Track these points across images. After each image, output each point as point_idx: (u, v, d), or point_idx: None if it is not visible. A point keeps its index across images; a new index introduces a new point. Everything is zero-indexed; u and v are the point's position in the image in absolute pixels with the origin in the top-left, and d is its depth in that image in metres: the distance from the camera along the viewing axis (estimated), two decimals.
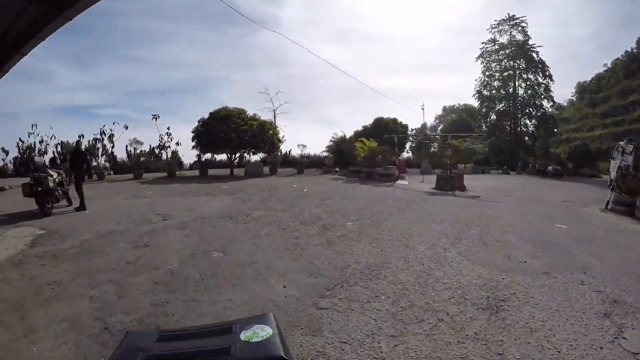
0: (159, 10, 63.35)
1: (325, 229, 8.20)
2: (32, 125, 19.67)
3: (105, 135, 20.36)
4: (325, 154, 31.01)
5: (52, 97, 57.54)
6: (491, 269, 5.66)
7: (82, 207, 10.87)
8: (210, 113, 23.18)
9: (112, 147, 21.43)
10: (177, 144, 23.30)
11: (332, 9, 74.65)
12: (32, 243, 7.18)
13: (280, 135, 25.45)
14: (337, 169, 26.27)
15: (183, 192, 14.42)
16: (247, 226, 8.41)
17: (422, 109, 48.92)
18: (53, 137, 20.46)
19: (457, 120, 46.88)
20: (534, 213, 11.08)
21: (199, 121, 23.12)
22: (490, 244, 7.19)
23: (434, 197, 14.38)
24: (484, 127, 50.18)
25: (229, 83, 67.99)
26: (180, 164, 24.01)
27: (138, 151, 26.52)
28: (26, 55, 5.82)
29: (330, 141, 31.46)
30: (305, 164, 26.13)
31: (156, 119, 22.41)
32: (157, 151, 23.82)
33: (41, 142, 20.30)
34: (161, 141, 22.69)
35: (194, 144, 22.94)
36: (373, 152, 23.30)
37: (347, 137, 30.77)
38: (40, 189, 10.08)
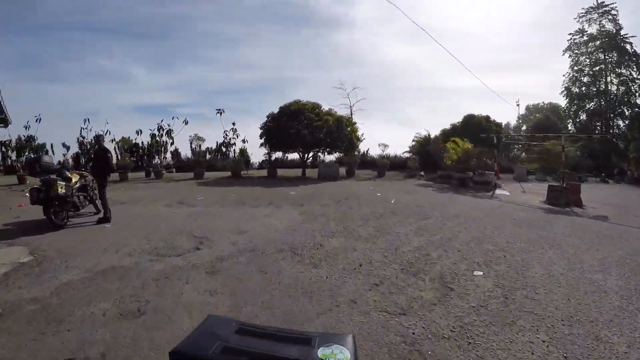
0: (234, 13, 64.11)
1: (445, 286, 4.64)
2: (85, 120, 18.10)
3: (163, 130, 18.29)
4: (407, 155, 27.22)
5: (133, 97, 60.53)
6: None
7: (105, 218, 8.45)
8: (281, 107, 20.38)
9: (171, 143, 19.32)
10: (243, 141, 20.79)
11: (406, 7, 70.23)
12: None
13: (359, 133, 22.02)
14: (422, 173, 22.35)
15: (241, 200, 11.55)
16: (318, 274, 5.05)
17: (518, 104, 42.99)
18: (108, 133, 18.79)
19: (543, 120, 41.57)
20: None
21: (267, 116, 20.43)
22: None
23: (556, 218, 10.06)
24: (570, 127, 43.72)
25: (303, 83, 67.07)
26: (247, 163, 21.53)
27: (203, 148, 24.59)
28: None
29: (413, 141, 27.58)
30: (386, 166, 22.48)
31: (220, 113, 20.09)
32: (223, 149, 21.46)
33: (96, 137, 18.63)
34: (225, 137, 20.28)
35: (262, 141, 20.29)
36: (468, 155, 19.04)
37: (432, 136, 26.84)
38: (49, 195, 7.71)
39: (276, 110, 20.42)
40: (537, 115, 50.39)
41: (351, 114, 26.54)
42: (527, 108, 63.03)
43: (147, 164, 19.96)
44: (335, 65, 68.17)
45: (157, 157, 21.25)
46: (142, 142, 19.76)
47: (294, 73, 69.36)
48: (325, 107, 21.26)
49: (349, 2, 69.79)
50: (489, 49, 70.72)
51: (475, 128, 25.03)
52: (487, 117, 28.03)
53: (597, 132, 40.63)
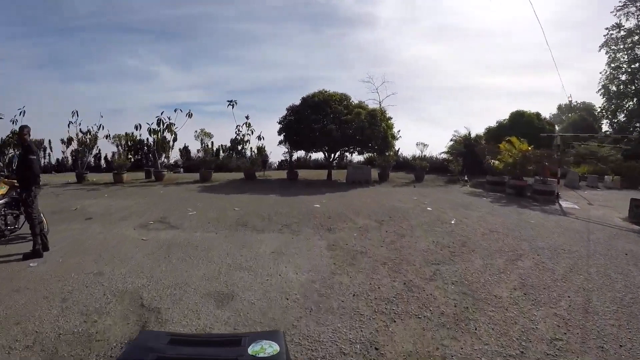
0: (257, 13, 63.91)
1: None
2: (73, 113, 15.25)
3: (163, 124, 15.33)
4: (444, 156, 23.62)
5: (158, 96, 61.40)
6: None
7: (34, 252, 5.60)
8: (303, 98, 17.17)
9: (174, 139, 16.30)
10: (259, 137, 17.63)
11: (429, 5, 67.23)
12: None
13: (395, 130, 18.56)
14: (466, 177, 18.81)
15: (244, 217, 8.39)
16: None
17: (570, 100, 38.70)
18: (101, 128, 15.90)
19: (578, 120, 38.04)
20: None
21: (287, 109, 17.26)
22: None
23: None
24: (605, 128, 39.58)
25: (327, 82, 65.85)
26: (264, 163, 18.46)
27: (217, 145, 21.69)
28: None
29: (451, 140, 23.98)
30: (425, 169, 18.96)
31: (232, 105, 16.97)
32: (239, 147, 18.43)
33: (86, 133, 15.83)
34: (238, 133, 17.17)
35: (281, 138, 17.13)
36: (526, 159, 15.39)
37: (472, 135, 23.21)
38: None
39: (298, 102, 17.24)
40: (570, 115, 46.81)
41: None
42: (559, 108, 59.16)
43: (153, 164, 17.11)
44: (359, 64, 66.79)
45: (163, 155, 18.39)
46: (148, 139, 16.96)
47: (317, 72, 68.36)
48: (354, 100, 17.99)
49: (372, 1, 67.49)
50: (513, 48, 67.71)
51: (525, 126, 21.29)
52: (538, 115, 24.13)
53: (635, 133, 36.20)
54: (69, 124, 15.27)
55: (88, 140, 16.28)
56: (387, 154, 18.55)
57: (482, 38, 65.83)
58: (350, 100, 17.88)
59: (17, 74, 50.00)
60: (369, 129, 16.16)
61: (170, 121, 15.56)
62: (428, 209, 10.16)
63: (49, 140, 19.81)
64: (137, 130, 15.89)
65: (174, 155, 22.09)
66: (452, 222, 8.54)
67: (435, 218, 8.92)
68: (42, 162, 21.02)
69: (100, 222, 8.08)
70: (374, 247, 6.33)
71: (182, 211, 9.17)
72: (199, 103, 63.57)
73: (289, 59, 66.89)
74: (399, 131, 19.26)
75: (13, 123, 15.77)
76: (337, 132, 15.75)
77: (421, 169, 18.63)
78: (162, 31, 61.20)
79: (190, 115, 15.69)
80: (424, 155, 22.85)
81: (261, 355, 1.68)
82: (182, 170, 20.49)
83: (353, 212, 9.30)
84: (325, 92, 17.52)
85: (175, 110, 15.69)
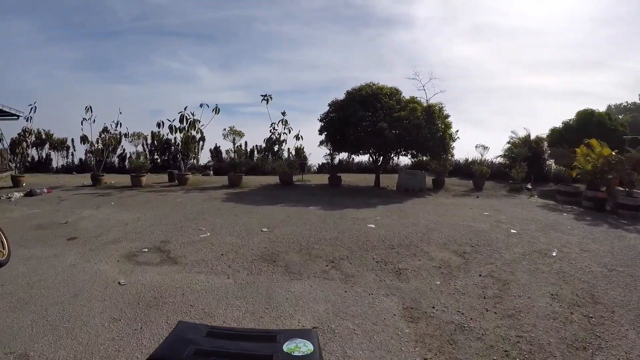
0: (294, 15, 63.49)
1: None
2: (86, 109, 13.41)
3: (186, 121, 13.21)
4: (501, 160, 20.36)
5: (197, 97, 61.80)
6: None
7: None
8: (348, 92, 14.66)
9: (202, 139, 14.21)
10: (297, 137, 15.28)
11: (467, 4, 64.04)
12: None
13: (453, 130, 15.67)
14: (529, 186, 15.70)
15: (274, 250, 5.97)
16: None
17: None
18: (119, 125, 14.04)
19: (631, 122, 32.43)
20: None
21: (330, 105, 14.82)
22: None
23: None
24: None
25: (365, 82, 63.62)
26: (302, 165, 16.13)
27: (250, 146, 19.66)
28: None
29: (508, 143, 20.69)
30: (486, 175, 15.98)
31: (267, 100, 14.69)
32: (275, 147, 16.18)
33: (104, 131, 14.03)
34: (273, 132, 14.88)
35: (322, 137, 14.71)
36: (609, 165, 12.20)
37: (532, 137, 19.88)
38: None
39: (341, 97, 14.76)
40: (621, 116, 42.54)
41: None
42: (609, 108, 54.46)
43: (177, 166, 15.21)
44: (398, 65, 64.71)
45: (192, 156, 16.43)
46: (175, 138, 15.08)
47: (355, 73, 67.13)
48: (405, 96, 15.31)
49: (409, 1, 65.13)
50: (553, 46, 63.72)
51: (596, 127, 17.80)
52: (609, 115, 20.46)
53: None
54: (82, 120, 13.51)
55: (107, 139, 14.53)
56: (444, 157, 15.75)
57: (522, 36, 62.39)
58: (402, 95, 15.26)
59: (60, 76, 51.31)
60: (426, 128, 13.48)
61: (195, 117, 13.45)
62: (512, 231, 7.49)
63: (72, 139, 18.39)
64: (159, 128, 13.90)
65: (204, 156, 20.19)
66: (554, 254, 6.02)
67: (528, 247, 6.37)
68: (65, 162, 19.77)
69: (81, 246, 5.98)
70: (475, 314, 3.83)
71: (192, 231, 6.92)
72: (238, 104, 64.07)
73: (326, 60, 66.20)
74: (457, 131, 16.38)
75: (27, 120, 14.25)
76: (389, 131, 13.18)
77: (481, 175, 15.70)
78: (202, 34, 62.33)
79: (217, 110, 13.56)
80: (484, 160, 19.80)
81: (296, 353, 1.71)
82: (211, 172, 18.49)
83: (421, 238, 6.75)
84: (374, 84, 14.96)
85: (200, 106, 13.57)
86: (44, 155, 19.53)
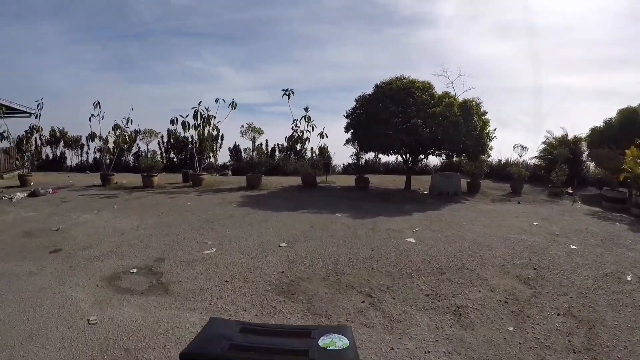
0: (318, 14, 62.65)
1: None
2: (94, 105, 12.50)
3: (200, 117, 12.08)
4: (536, 161, 18.54)
5: (222, 96, 62.24)
6: None
7: None
8: (377, 86, 13.32)
9: (219, 136, 13.15)
10: (321, 134, 14.04)
11: (492, 2, 61.98)
12: None
13: (491, 129, 14.13)
14: (570, 190, 14.01)
15: (292, 275, 4.71)
16: None
17: None
18: (129, 122, 13.05)
19: None
20: None
21: (356, 100, 13.54)
22: None
23: None
24: None
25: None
26: (327, 166, 14.92)
27: (272, 144, 18.55)
28: None
29: (543, 144, 18.87)
30: (525, 177, 14.41)
31: (288, 95, 13.51)
32: (297, 146, 15.00)
33: (116, 128, 13.06)
34: (295, 129, 13.68)
35: (348, 136, 13.44)
36: None
37: (570, 137, 18.03)
38: None
39: (369, 91, 13.45)
40: None
41: None
42: None
43: (193, 165, 14.21)
44: (422, 64, 63.50)
45: (211, 155, 15.45)
46: (192, 136, 14.11)
47: (379, 72, 65.90)
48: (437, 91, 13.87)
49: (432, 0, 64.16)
50: (581, 44, 60.55)
51: None
52: None
53: None
54: (90, 117, 12.60)
55: (118, 136, 13.62)
56: (481, 158, 14.26)
57: (549, 34, 59.73)
58: (434, 90, 13.85)
59: (85, 76, 51.83)
60: (464, 126, 12.06)
61: (210, 113, 12.34)
62: (572, 247, 6.13)
63: (86, 137, 17.60)
64: (173, 124, 12.86)
65: (223, 156, 19.20)
66: (628, 278, 4.83)
67: (597, 269, 5.17)
68: (79, 161, 19.10)
69: (62, 262, 4.97)
70: None
71: (195, 246, 5.78)
72: (261, 104, 64.26)
73: (350, 59, 65.89)
74: (494, 130, 14.83)
75: (36, 117, 13.51)
76: (423, 128, 11.83)
77: (519, 178, 14.15)
78: (225, 34, 62.48)
79: (234, 106, 12.43)
80: (523, 161, 18.14)
81: (332, 348, 1.71)
82: (230, 172, 17.47)
83: (473, 257, 5.47)
84: (404, 77, 13.60)
85: (216, 101, 12.46)
86: (58, 154, 18.91)
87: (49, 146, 18.71)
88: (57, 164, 18.60)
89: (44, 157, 18.24)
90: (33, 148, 14.54)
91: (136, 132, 15.12)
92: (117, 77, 53.26)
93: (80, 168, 18.45)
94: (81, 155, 18.90)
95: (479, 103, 13.92)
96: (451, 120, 11.97)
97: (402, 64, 64.73)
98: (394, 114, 12.24)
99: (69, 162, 19.01)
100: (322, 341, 1.74)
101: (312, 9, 64.47)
